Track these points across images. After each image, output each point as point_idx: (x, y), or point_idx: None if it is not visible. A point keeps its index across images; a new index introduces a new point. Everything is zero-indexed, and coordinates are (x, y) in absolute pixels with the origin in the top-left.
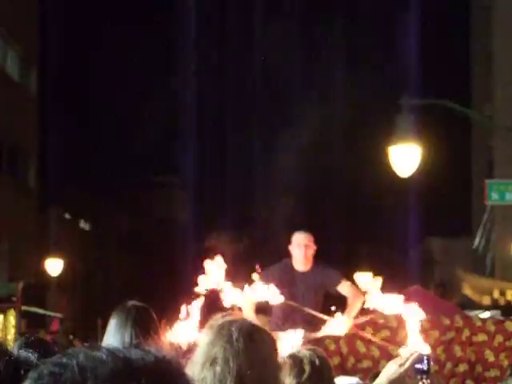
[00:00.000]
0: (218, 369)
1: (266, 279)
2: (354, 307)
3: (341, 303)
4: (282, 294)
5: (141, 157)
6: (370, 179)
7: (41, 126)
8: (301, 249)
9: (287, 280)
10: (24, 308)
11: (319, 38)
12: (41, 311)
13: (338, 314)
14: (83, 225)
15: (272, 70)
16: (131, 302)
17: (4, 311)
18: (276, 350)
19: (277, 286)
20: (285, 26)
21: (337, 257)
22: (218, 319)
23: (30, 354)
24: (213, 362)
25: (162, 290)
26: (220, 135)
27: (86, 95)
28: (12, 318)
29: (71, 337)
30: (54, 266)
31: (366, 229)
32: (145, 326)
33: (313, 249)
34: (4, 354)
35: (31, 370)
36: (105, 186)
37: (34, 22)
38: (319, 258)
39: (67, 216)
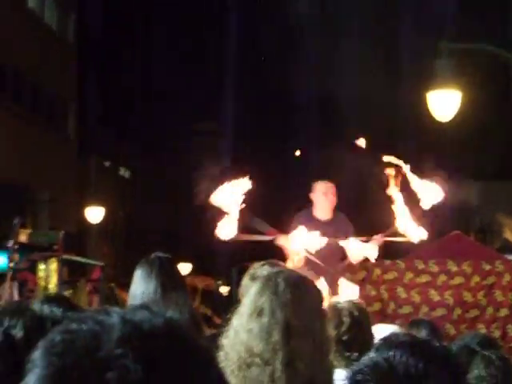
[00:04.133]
0: (265, 320)
1: (296, 226)
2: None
3: None
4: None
5: (180, 104)
6: (410, 125)
7: (80, 74)
8: (326, 197)
9: (311, 229)
10: (65, 256)
11: None
12: (82, 260)
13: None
14: (123, 172)
15: (305, 20)
16: (155, 254)
17: (46, 260)
18: (322, 300)
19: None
20: None
21: (377, 202)
22: (257, 269)
23: (55, 309)
24: (260, 312)
25: (199, 238)
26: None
27: (125, 42)
28: (53, 267)
29: (112, 284)
30: (94, 214)
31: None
32: (168, 276)
33: (335, 198)
34: (27, 309)
35: (56, 326)
36: (144, 133)
37: None
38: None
39: (107, 164)
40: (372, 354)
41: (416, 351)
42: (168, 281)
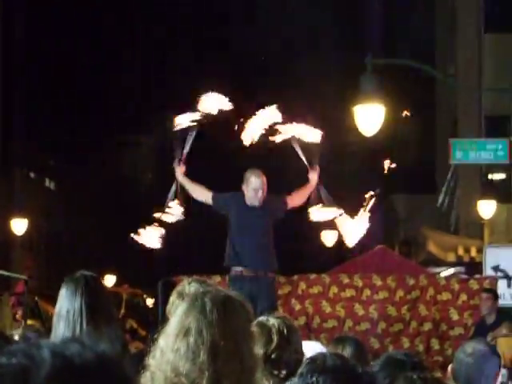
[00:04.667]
0: (192, 340)
1: (220, 195)
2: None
3: None
4: (236, 218)
5: (107, 115)
6: (335, 138)
7: (5, 85)
8: (257, 193)
9: (241, 208)
10: None
11: None
12: (6, 273)
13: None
14: (48, 184)
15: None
16: (80, 272)
17: None
18: (250, 319)
19: (228, 208)
20: None
21: (302, 216)
22: (185, 286)
23: None
24: (186, 332)
25: (124, 249)
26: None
27: (51, 54)
28: None
29: (36, 298)
30: (18, 226)
31: (331, 187)
32: (94, 295)
33: (265, 190)
34: None
35: None
36: (70, 144)
37: None
38: None
39: (32, 175)
40: (295, 380)
41: (339, 377)
42: (93, 300)
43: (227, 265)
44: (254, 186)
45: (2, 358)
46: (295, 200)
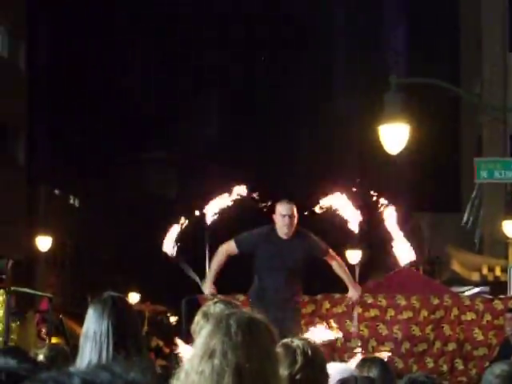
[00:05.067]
0: (217, 362)
1: (245, 242)
2: (348, 275)
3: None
4: (263, 259)
5: (130, 132)
6: (360, 157)
7: (30, 102)
8: (285, 219)
9: (269, 246)
10: (13, 288)
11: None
12: (30, 291)
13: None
14: (72, 201)
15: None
16: (108, 293)
17: None
18: (274, 341)
19: (255, 250)
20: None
21: (329, 234)
22: (210, 306)
23: (10, 360)
24: (211, 354)
25: (150, 267)
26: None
27: (75, 71)
28: (1, 299)
29: (60, 315)
30: (43, 243)
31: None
32: (121, 317)
33: (296, 218)
34: None
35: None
36: (94, 161)
37: None
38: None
39: (57, 192)
40: None
41: None
42: (120, 322)
43: (253, 300)
44: (282, 212)
45: None
46: (332, 261)
